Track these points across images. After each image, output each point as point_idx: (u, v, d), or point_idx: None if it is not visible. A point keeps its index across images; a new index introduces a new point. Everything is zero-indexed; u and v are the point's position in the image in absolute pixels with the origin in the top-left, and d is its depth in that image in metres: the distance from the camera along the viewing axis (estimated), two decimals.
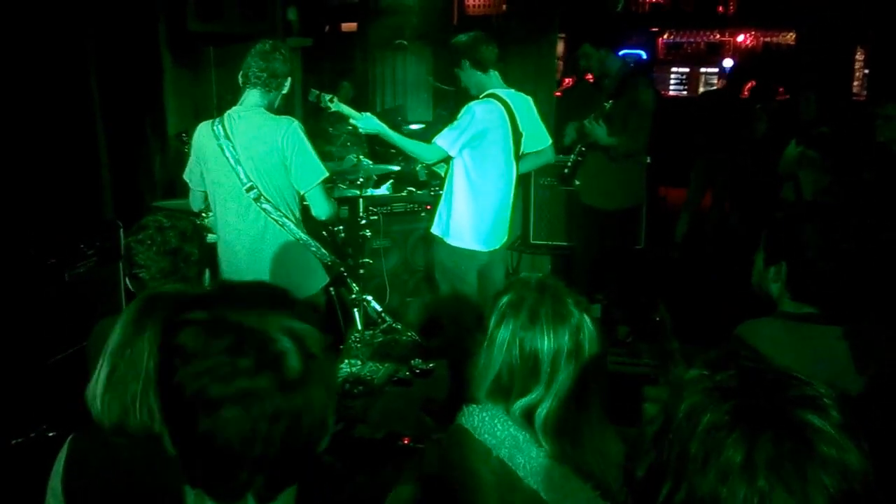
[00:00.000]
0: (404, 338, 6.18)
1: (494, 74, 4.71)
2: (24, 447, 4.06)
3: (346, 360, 5.74)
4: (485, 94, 4.64)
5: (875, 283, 3.11)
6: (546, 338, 1.98)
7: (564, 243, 6.96)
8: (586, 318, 2.04)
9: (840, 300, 2.47)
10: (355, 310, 5.91)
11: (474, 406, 2.07)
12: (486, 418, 2.01)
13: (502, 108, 4.58)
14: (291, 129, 3.94)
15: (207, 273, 2.96)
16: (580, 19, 7.21)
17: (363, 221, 6.04)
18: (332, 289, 5.42)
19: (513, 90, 4.76)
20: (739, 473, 1.03)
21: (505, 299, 2.06)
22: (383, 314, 6.24)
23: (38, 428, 4.08)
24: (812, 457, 1.02)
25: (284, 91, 4.13)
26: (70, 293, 4.52)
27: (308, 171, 4.01)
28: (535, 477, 1.93)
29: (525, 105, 4.78)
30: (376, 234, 6.36)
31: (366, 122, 4.67)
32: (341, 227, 5.81)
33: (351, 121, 4.73)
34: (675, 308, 6.49)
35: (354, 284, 5.98)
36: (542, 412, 1.96)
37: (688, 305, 6.46)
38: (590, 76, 6.30)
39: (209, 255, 2.97)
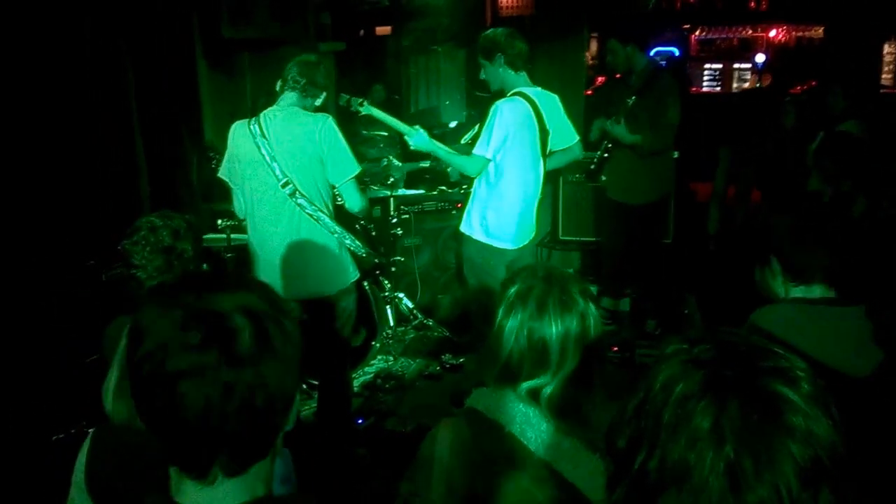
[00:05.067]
0: (435, 334, 6.29)
1: (523, 74, 4.75)
2: (63, 443, 4.18)
3: (379, 356, 5.86)
4: (512, 92, 4.70)
5: (886, 263, 3.14)
6: (554, 327, 2.04)
7: (593, 238, 7.01)
8: (591, 305, 2.11)
9: (840, 269, 2.50)
10: (387, 307, 6.02)
11: (483, 388, 2.14)
12: (497, 397, 2.08)
13: (529, 106, 4.64)
14: (328, 125, 4.07)
15: (205, 269, 3.04)
16: (608, 16, 7.24)
17: (394, 220, 6.15)
18: (366, 283, 5.57)
19: (539, 88, 4.80)
20: (707, 440, 1.06)
21: (513, 290, 2.12)
22: (415, 311, 6.35)
23: (76, 425, 4.19)
24: (779, 426, 1.05)
25: (318, 103, 4.24)
26: (107, 293, 4.65)
27: (343, 166, 4.12)
28: (546, 450, 1.99)
29: (551, 103, 4.83)
30: (408, 233, 6.47)
31: (417, 140, 4.76)
32: (372, 226, 5.92)
33: (405, 137, 4.82)
34: (706, 301, 6.52)
35: (386, 282, 6.08)
36: (546, 392, 2.04)
37: (718, 298, 6.48)
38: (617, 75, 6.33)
39: (205, 251, 3.04)
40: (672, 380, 1.15)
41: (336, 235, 4.20)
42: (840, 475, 1.07)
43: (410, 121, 5.30)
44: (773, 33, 10.97)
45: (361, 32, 10.35)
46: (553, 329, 2.04)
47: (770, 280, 2.66)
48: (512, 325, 2.08)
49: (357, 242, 4.32)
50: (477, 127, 4.79)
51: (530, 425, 2.02)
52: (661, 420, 1.12)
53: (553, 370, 2.04)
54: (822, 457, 1.05)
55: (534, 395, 2.05)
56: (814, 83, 8.83)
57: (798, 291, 2.62)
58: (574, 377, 2.05)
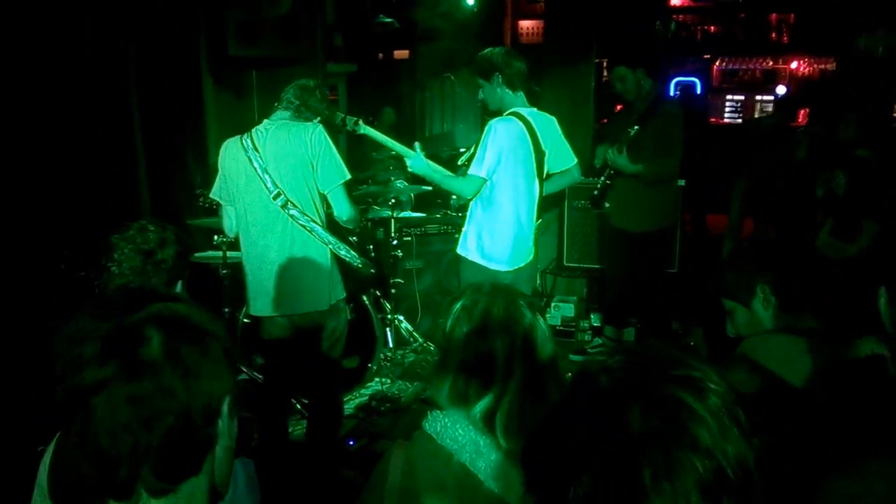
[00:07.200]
0: (434, 357, 6.20)
1: (520, 93, 4.72)
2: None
3: (377, 379, 5.80)
4: (507, 112, 4.67)
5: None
6: (499, 339, 2.00)
7: (597, 266, 6.93)
8: (540, 319, 2.07)
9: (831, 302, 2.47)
10: (387, 329, 5.98)
11: (437, 412, 2.08)
12: (448, 424, 2.02)
13: (523, 126, 4.60)
14: (318, 131, 4.13)
15: (180, 284, 2.97)
16: (617, 42, 7.19)
17: (395, 242, 6.12)
18: (366, 298, 5.54)
19: (535, 109, 4.77)
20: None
21: (458, 304, 2.09)
22: (414, 334, 6.29)
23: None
24: (681, 436, 1.02)
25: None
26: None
27: (332, 172, 4.15)
28: (496, 480, 1.94)
29: (548, 124, 4.79)
30: (409, 255, 6.43)
31: (415, 161, 4.72)
32: (371, 247, 5.88)
33: (406, 160, 4.80)
34: (713, 333, 6.40)
35: (387, 304, 6.04)
36: (501, 414, 1.97)
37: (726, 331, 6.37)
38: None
39: (186, 267, 3.00)
40: (584, 386, 1.13)
41: (330, 246, 4.21)
42: (747, 490, 1.03)
43: (425, 145, 5.27)
44: (794, 65, 10.86)
45: (381, 56, 10.40)
46: (497, 340, 2.00)
47: (762, 311, 2.62)
48: (458, 339, 2.04)
49: (352, 253, 4.33)
50: (472, 148, 4.76)
51: (480, 455, 1.97)
52: (573, 425, 1.10)
53: (500, 383, 1.99)
54: (727, 470, 1.01)
55: (488, 421, 1.99)
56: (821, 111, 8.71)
57: (784, 319, 2.58)
58: (525, 393, 1.99)
